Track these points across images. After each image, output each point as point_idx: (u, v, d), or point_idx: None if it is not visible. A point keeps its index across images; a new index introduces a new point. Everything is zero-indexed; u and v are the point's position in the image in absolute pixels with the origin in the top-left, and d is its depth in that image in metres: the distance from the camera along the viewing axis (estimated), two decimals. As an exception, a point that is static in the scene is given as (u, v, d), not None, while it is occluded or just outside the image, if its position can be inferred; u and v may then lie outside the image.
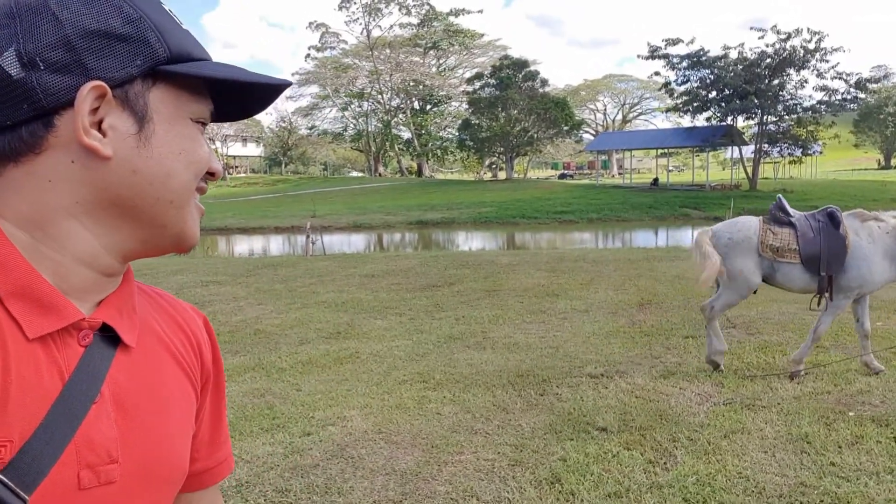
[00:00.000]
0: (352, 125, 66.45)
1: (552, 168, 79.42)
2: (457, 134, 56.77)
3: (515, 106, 47.96)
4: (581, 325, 7.13)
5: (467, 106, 53.20)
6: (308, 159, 78.32)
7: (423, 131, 61.64)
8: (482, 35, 61.37)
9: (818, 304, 5.14)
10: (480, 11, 63.26)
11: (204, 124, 0.70)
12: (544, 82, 49.98)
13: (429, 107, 63.28)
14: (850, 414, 4.05)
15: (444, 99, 62.98)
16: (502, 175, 58.99)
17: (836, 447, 3.53)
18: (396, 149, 64.24)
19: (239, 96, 0.72)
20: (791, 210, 5.28)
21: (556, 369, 5.37)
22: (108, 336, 0.67)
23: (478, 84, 51.71)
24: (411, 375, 5.27)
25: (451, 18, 59.69)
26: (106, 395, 0.65)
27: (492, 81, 49.22)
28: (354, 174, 73.20)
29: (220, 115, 0.73)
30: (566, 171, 69.80)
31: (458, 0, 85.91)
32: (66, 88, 0.61)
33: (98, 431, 0.64)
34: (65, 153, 0.62)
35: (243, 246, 24.59)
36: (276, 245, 24.34)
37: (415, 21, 60.05)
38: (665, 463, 3.44)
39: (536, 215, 30.44)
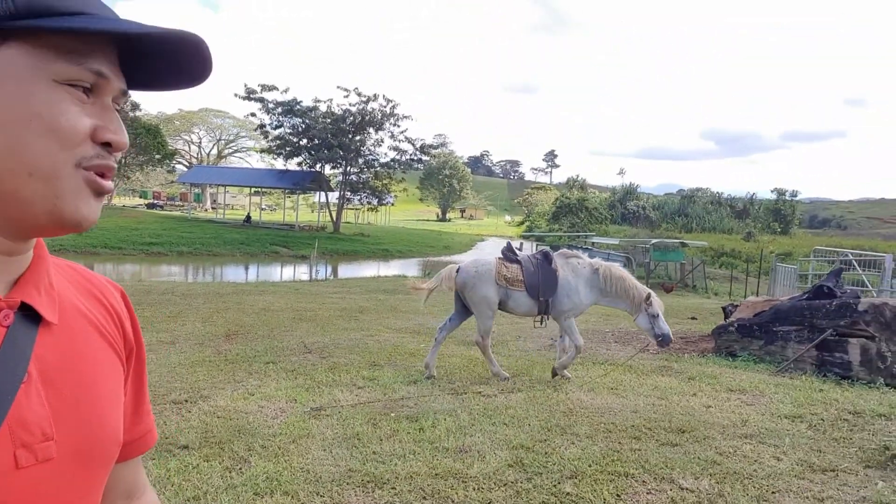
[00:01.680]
0: None
1: (140, 196, 74.15)
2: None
3: (100, 126, 43.87)
4: (167, 356, 7.18)
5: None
6: None
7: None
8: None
9: (540, 322, 6.70)
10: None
11: (88, 89, 0.64)
12: (136, 106, 47.00)
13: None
14: (392, 415, 5.10)
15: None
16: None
17: (378, 440, 4.46)
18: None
19: (159, 61, 0.67)
20: (518, 252, 6.85)
21: (139, 399, 5.39)
22: (30, 315, 0.66)
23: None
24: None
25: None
26: (34, 374, 0.64)
27: (71, 95, 44.22)
28: None
29: (156, 84, 0.70)
30: (156, 202, 65.97)
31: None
32: None
33: (30, 410, 0.63)
34: None
35: None
36: None
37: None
38: (240, 468, 3.90)
39: (121, 245, 28.39)
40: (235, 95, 38.90)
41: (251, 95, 38.96)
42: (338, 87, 64.02)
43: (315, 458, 4.10)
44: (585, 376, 6.69)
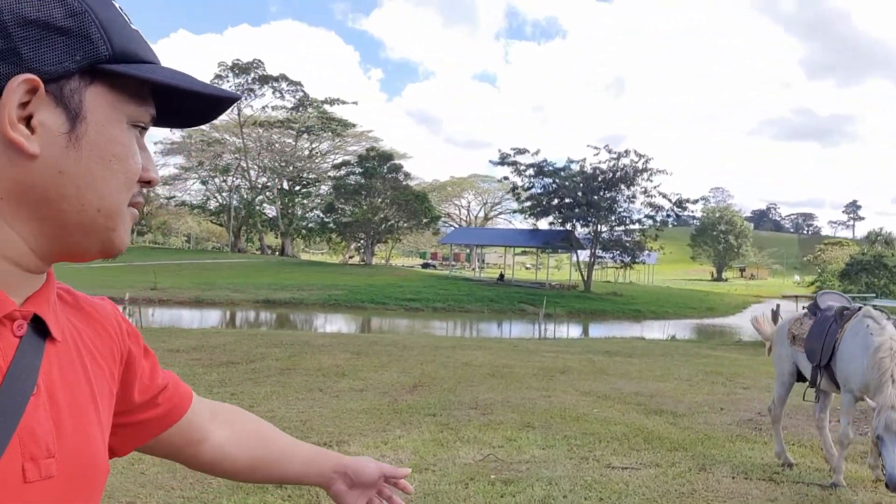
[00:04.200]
0: (215, 199, 65.13)
1: (420, 257, 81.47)
2: (322, 216, 57.27)
3: (379, 195, 49.72)
4: (347, 402, 7.68)
5: (332, 191, 54.38)
6: (169, 229, 75.79)
7: (290, 211, 61.63)
8: (355, 125, 63.30)
9: (815, 397, 5.30)
10: (355, 103, 65.31)
11: (143, 129, 0.68)
12: (408, 175, 52.42)
13: (298, 188, 63.63)
14: (493, 477, 4.89)
15: (314, 182, 63.65)
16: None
17: (453, 500, 4.32)
18: (259, 226, 63.71)
19: (183, 104, 0.70)
20: (826, 305, 5.32)
21: (286, 438, 5.88)
22: (38, 328, 0.66)
23: (344, 171, 53.32)
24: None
25: (326, 107, 61.06)
26: (41, 388, 0.64)
27: (358, 169, 50.93)
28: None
29: (164, 122, 0.71)
30: (429, 262, 71.89)
31: (334, 90, 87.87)
32: None
33: (38, 424, 0.63)
34: None
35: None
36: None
37: (288, 105, 60.46)
38: (306, 510, 4.06)
39: (385, 301, 31.25)
40: (490, 162, 41.41)
41: (504, 160, 41.13)
42: (587, 145, 65.63)
43: (379, 510, 4.10)
44: (756, 458, 5.69)
